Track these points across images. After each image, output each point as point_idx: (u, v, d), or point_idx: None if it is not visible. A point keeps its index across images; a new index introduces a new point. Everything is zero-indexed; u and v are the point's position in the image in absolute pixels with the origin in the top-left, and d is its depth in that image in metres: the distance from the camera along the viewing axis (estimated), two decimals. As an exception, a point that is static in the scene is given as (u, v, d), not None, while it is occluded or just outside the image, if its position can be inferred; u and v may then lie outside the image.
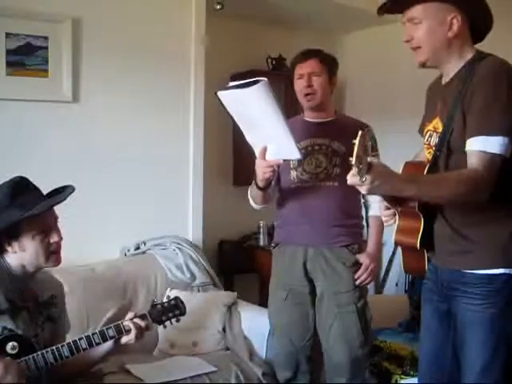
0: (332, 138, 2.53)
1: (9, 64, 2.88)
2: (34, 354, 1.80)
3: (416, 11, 1.76)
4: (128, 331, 1.94)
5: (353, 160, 1.51)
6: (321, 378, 2.76)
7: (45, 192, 1.97)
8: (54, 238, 1.91)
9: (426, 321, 1.98)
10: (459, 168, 1.73)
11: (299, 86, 2.56)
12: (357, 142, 1.52)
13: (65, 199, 1.94)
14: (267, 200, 2.58)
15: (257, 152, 2.35)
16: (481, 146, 1.66)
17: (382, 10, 1.85)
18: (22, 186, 1.91)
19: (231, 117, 2.28)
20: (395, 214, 1.87)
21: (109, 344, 1.95)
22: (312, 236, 2.53)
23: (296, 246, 2.56)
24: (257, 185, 2.45)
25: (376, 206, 2.51)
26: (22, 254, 1.88)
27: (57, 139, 3.05)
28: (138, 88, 3.28)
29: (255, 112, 2.18)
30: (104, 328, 1.94)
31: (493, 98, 1.66)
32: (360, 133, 1.53)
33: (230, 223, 4.18)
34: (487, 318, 1.74)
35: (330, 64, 2.58)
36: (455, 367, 1.87)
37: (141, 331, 1.96)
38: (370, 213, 2.63)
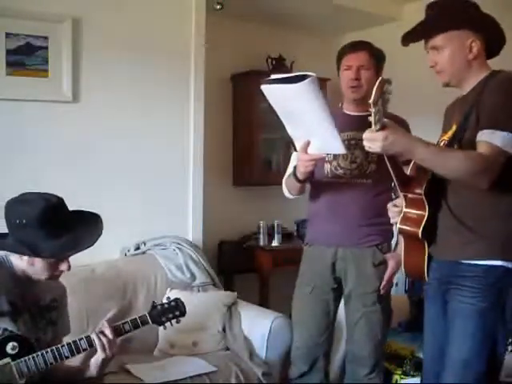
0: None
1: (9, 64, 2.88)
2: (34, 354, 1.80)
3: (438, 40, 1.89)
4: (128, 331, 1.95)
5: (371, 100, 1.61)
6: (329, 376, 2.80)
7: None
8: (63, 267, 1.92)
9: (431, 321, 2.02)
10: None
11: (346, 77, 2.53)
12: (375, 87, 1.63)
13: (91, 246, 1.93)
14: (303, 191, 2.59)
15: (298, 145, 2.34)
16: (487, 137, 1.76)
17: (407, 40, 1.96)
18: (52, 209, 1.87)
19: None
20: (401, 212, 1.93)
21: (92, 371, 1.94)
22: (341, 237, 2.54)
23: (326, 247, 2.58)
24: (296, 177, 2.46)
25: None
26: (27, 266, 1.89)
27: (57, 139, 3.05)
28: (137, 88, 3.28)
29: (300, 107, 2.15)
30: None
31: (504, 101, 1.77)
32: (379, 79, 1.63)
33: (230, 223, 4.18)
34: (477, 311, 1.81)
35: (378, 58, 2.55)
36: None
37: (110, 347, 1.91)
38: None
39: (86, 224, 1.98)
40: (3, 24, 2.86)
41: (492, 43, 1.92)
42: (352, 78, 2.50)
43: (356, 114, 2.57)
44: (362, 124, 2.48)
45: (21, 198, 1.91)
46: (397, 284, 4.54)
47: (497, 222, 1.83)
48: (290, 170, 2.65)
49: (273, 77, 2.18)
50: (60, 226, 1.88)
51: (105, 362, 1.94)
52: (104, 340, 1.90)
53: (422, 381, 2.12)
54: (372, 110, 1.65)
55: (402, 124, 2.58)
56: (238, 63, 4.24)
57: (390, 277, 2.55)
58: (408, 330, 3.44)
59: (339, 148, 2.26)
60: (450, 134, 1.93)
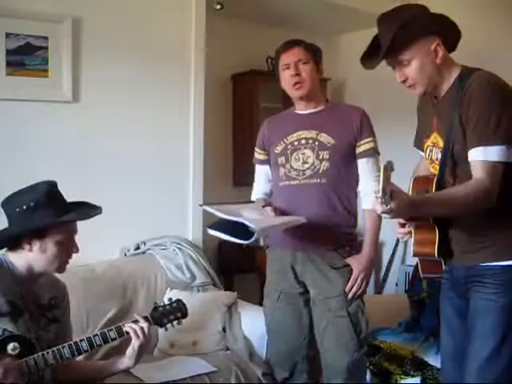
0: (320, 130, 2.46)
1: (9, 64, 2.88)
2: (35, 355, 1.80)
3: (403, 55, 1.84)
4: (128, 333, 1.96)
5: (379, 193, 1.60)
6: (319, 376, 2.74)
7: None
8: (74, 249, 1.96)
9: (447, 319, 2.05)
10: (468, 176, 1.81)
11: (286, 75, 2.47)
12: (381, 175, 1.59)
13: (99, 213, 2.01)
14: None
15: None
16: (481, 155, 1.77)
17: (370, 64, 1.90)
18: (56, 191, 1.95)
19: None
20: (410, 232, 1.94)
21: (127, 362, 2.00)
22: (299, 240, 2.45)
23: (284, 250, 2.53)
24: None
25: (368, 199, 2.37)
26: (38, 255, 1.89)
27: (57, 139, 3.05)
28: (138, 88, 3.28)
29: None
30: (105, 330, 1.95)
31: (487, 110, 1.76)
32: (383, 166, 1.59)
33: (230, 223, 4.17)
34: (499, 307, 1.82)
35: (314, 52, 2.51)
36: None
37: (142, 333, 1.95)
38: (364, 206, 2.49)
39: (82, 204, 2.04)
40: (3, 24, 2.86)
41: (449, 40, 1.89)
42: (292, 75, 2.44)
43: (305, 111, 2.55)
44: (310, 121, 2.50)
45: (17, 191, 1.94)
46: (397, 284, 4.56)
47: (507, 224, 1.84)
48: (257, 188, 2.69)
49: (216, 213, 2.24)
50: (64, 204, 1.96)
51: (141, 349, 1.97)
52: (136, 327, 1.95)
53: (441, 379, 2.15)
54: (381, 199, 1.62)
55: (358, 113, 2.51)
56: (238, 63, 4.24)
57: (356, 280, 2.44)
58: (408, 330, 3.43)
59: (299, 221, 2.36)
60: (433, 140, 1.94)
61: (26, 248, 1.88)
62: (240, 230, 2.17)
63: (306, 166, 2.46)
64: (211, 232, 2.28)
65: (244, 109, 4.30)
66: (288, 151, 2.50)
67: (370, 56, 1.91)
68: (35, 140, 2.99)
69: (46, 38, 2.97)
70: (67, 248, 1.94)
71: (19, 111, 2.95)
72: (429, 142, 1.97)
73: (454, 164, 1.87)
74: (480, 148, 1.76)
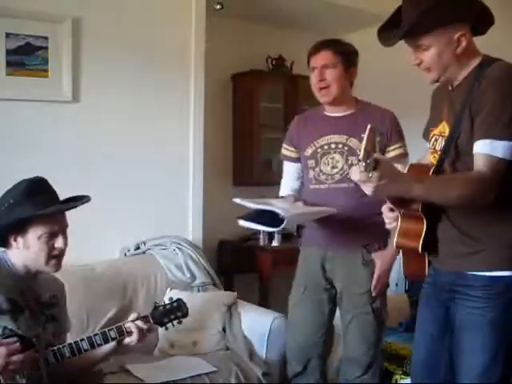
0: (350, 135, 2.48)
1: (9, 64, 2.88)
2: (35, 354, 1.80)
3: (423, 40, 1.74)
4: (129, 333, 1.95)
5: (360, 154, 1.52)
6: (327, 375, 2.78)
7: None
8: (58, 243, 1.92)
9: (422, 326, 1.97)
10: (467, 170, 1.73)
11: (312, 79, 2.50)
12: (365, 136, 1.52)
13: (76, 206, 1.96)
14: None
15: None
16: (487, 149, 1.67)
17: (388, 41, 1.82)
18: (39, 186, 1.93)
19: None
20: (398, 218, 1.86)
21: (111, 345, 1.96)
22: (329, 238, 2.52)
23: (316, 248, 2.58)
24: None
25: None
26: (24, 252, 1.89)
27: (57, 139, 3.05)
28: (138, 88, 3.28)
29: None
30: (106, 329, 1.95)
31: (501, 103, 1.67)
32: (368, 127, 1.54)
33: (230, 223, 4.14)
34: (487, 322, 1.73)
35: (346, 54, 2.47)
36: (450, 374, 1.85)
37: (142, 333, 1.96)
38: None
39: (73, 199, 2.02)
40: (3, 24, 2.86)
41: (479, 25, 1.79)
42: (318, 80, 2.46)
43: (335, 114, 2.54)
44: (341, 125, 2.49)
45: (6, 191, 1.95)
46: (397, 284, 4.55)
47: (501, 229, 1.75)
48: (285, 185, 2.70)
49: (246, 204, 2.28)
50: (49, 199, 1.92)
51: (136, 345, 1.97)
52: (139, 324, 1.95)
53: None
54: (362, 161, 1.53)
55: (387, 117, 2.52)
56: (238, 63, 4.24)
57: (380, 276, 2.50)
58: (408, 330, 3.44)
59: (329, 211, 2.39)
60: (441, 129, 1.85)
61: (14, 245, 1.89)
62: (270, 219, 2.20)
63: (335, 170, 2.50)
64: (242, 223, 2.29)
65: (244, 109, 4.30)
66: (318, 155, 2.53)
67: (387, 30, 1.82)
68: (35, 140, 2.99)
69: (46, 38, 2.98)
70: (51, 243, 1.91)
71: (19, 111, 2.95)
72: (436, 131, 1.88)
73: (455, 155, 1.77)
74: (487, 141, 1.66)
